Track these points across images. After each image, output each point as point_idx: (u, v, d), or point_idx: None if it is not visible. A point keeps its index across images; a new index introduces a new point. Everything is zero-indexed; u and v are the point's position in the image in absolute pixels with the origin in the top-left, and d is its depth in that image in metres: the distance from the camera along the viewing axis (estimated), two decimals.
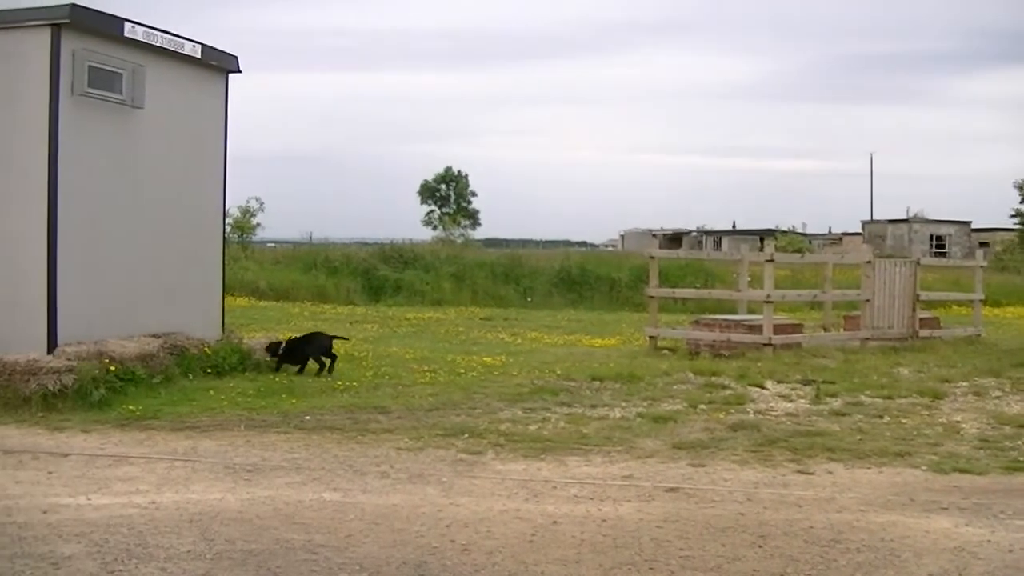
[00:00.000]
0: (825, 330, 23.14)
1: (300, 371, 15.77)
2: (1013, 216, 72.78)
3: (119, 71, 14.42)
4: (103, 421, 11.90)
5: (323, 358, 15.90)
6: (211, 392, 13.66)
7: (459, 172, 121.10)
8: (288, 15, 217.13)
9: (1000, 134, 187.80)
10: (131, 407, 12.54)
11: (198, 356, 15.01)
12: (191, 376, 14.55)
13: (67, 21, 13.52)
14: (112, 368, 13.27)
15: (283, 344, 16.22)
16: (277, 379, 14.90)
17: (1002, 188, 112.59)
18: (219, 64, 16.27)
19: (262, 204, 49.12)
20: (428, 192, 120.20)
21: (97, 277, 14.31)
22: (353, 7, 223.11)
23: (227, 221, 22.49)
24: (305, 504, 8.53)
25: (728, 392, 14.46)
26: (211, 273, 16.61)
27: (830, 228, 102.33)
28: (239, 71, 16.64)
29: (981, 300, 25.46)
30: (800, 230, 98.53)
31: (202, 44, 15.72)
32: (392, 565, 6.98)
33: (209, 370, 14.92)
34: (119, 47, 14.42)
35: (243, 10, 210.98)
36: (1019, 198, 71.07)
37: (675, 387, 14.96)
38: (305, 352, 16.01)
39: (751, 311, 22.33)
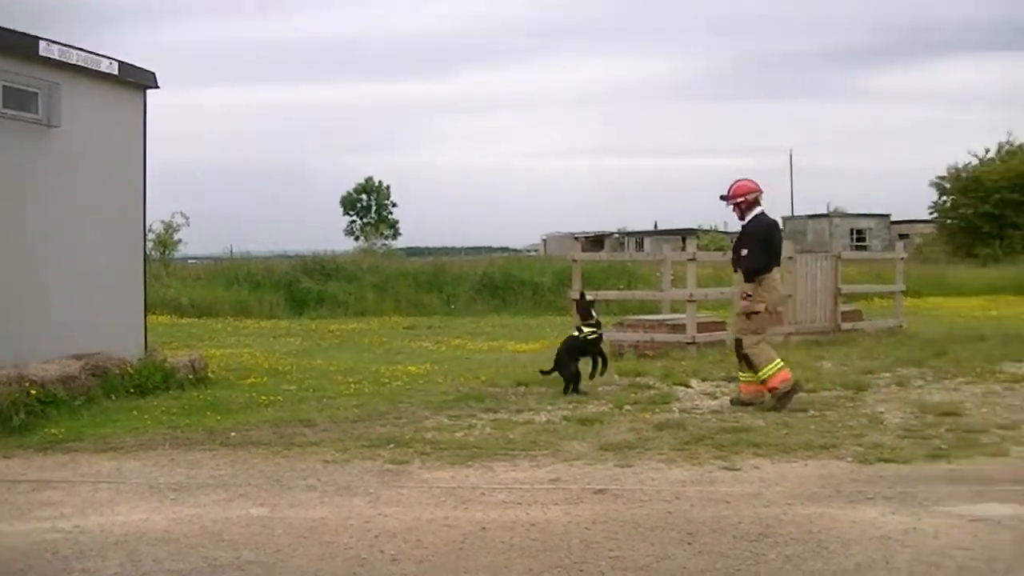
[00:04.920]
0: None
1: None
2: (931, 210, 73.61)
3: (34, 90, 14.25)
4: (24, 446, 11.73)
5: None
6: (134, 412, 13.53)
7: (379, 182, 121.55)
8: (204, 30, 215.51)
9: (917, 127, 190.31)
10: (53, 430, 12.38)
11: (121, 376, 14.84)
12: (114, 396, 14.40)
13: None
14: (33, 391, 13.08)
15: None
16: (201, 396, 14.77)
17: (920, 181, 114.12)
18: (136, 80, 16.12)
19: (187, 219, 48.76)
20: (349, 203, 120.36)
21: (16, 300, 14.13)
22: (270, 20, 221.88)
23: (150, 237, 22.34)
24: (232, 521, 8.49)
25: (653, 392, 14.54)
26: (132, 292, 16.44)
27: None
28: (157, 87, 16.48)
29: (902, 291, 25.80)
30: (721, 228, 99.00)
31: (119, 61, 15.56)
32: None
33: (132, 390, 14.75)
34: (34, 66, 14.23)
35: (160, 25, 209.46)
36: (936, 193, 71.82)
37: (600, 389, 15.00)
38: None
39: (674, 310, 22.43)
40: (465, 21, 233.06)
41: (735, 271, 14.48)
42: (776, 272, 13.88)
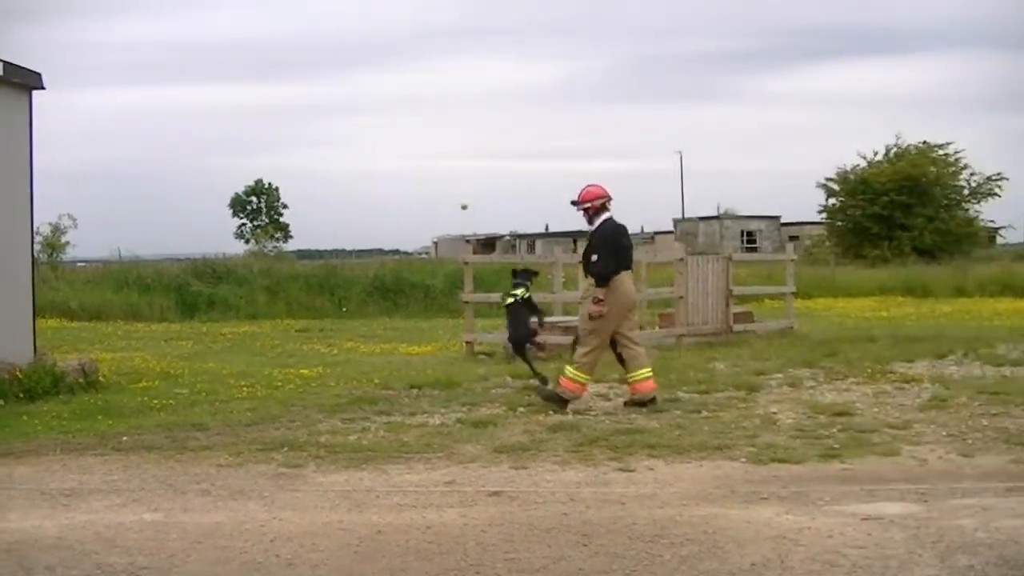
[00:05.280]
0: (640, 328, 23.39)
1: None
2: (820, 211, 74.44)
3: None
4: None
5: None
6: (24, 417, 13.38)
7: (269, 184, 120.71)
8: (91, 30, 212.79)
9: (806, 130, 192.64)
10: None
11: (9, 381, 14.66)
12: (2, 402, 14.23)
13: None
14: None
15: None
16: (92, 401, 14.62)
17: (809, 183, 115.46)
18: (22, 81, 15.93)
19: (75, 221, 48.14)
20: (239, 205, 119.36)
21: None
22: (157, 20, 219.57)
23: (37, 240, 22.03)
24: (126, 526, 8.45)
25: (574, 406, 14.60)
26: (20, 295, 16.23)
27: (642, 227, 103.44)
28: (43, 88, 16.32)
29: (792, 293, 26.07)
30: None
31: (4, 61, 15.38)
32: None
33: (21, 395, 14.59)
34: None
35: (41, 26, 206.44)
36: (824, 194, 72.62)
37: (493, 391, 15.10)
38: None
39: (567, 312, 22.53)
40: (360, 21, 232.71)
41: (585, 276, 14.75)
42: (626, 275, 14.03)
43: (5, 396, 14.40)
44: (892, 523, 8.11)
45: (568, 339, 19.48)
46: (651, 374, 13.86)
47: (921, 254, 60.80)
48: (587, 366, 13.79)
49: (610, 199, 14.16)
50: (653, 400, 13.68)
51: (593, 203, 14.09)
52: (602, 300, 13.64)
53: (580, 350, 13.86)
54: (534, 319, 16.63)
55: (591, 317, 13.74)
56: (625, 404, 13.70)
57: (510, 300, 16.56)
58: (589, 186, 14.26)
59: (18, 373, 14.89)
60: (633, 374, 13.77)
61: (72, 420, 13.25)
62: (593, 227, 14.18)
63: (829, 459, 10.46)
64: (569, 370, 13.77)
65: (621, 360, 14.06)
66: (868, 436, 11.49)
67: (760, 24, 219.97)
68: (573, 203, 14.28)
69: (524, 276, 16.94)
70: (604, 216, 14.10)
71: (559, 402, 13.61)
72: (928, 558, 7.24)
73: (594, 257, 13.90)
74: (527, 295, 16.53)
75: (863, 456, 10.56)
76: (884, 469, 10.09)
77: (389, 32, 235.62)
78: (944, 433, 11.64)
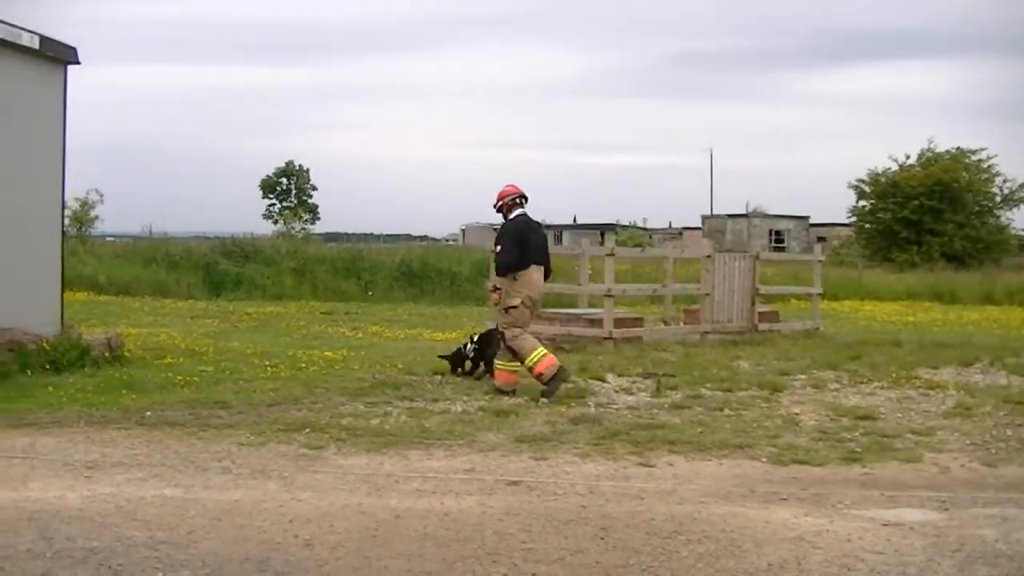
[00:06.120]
0: (665, 324, 23.33)
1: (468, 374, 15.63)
2: (850, 214, 74.04)
3: None
4: None
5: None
6: (50, 388, 13.45)
7: (300, 166, 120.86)
8: (128, 6, 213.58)
9: (837, 131, 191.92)
10: None
11: (36, 352, 14.74)
12: (29, 372, 14.32)
13: None
14: None
15: (472, 343, 15.88)
16: (117, 375, 14.68)
17: (840, 185, 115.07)
18: (57, 55, 15.97)
19: (102, 196, 48.43)
20: (269, 186, 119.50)
21: None
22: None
23: (66, 214, 22.13)
24: (146, 501, 8.49)
25: (569, 386, 14.57)
26: (49, 268, 16.30)
27: (670, 223, 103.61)
28: (78, 63, 16.33)
29: (819, 294, 25.95)
30: (641, 225, 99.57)
31: (40, 35, 15.42)
32: (235, 561, 7.00)
33: (48, 366, 14.66)
34: None
35: (81, 2, 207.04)
36: (855, 196, 72.26)
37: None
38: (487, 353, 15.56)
39: (592, 305, 22.44)
40: (397, 5, 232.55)
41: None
42: (535, 270, 14.48)
43: (31, 367, 14.47)
44: (912, 530, 8.08)
45: (592, 331, 19.58)
46: (544, 351, 14.28)
47: (950, 260, 60.36)
48: (526, 344, 14.20)
49: (523, 196, 14.79)
50: (562, 371, 14.04)
51: (505, 200, 14.73)
52: (499, 289, 14.57)
53: (514, 347, 14.24)
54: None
55: (506, 311, 14.36)
56: (543, 395, 13.82)
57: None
58: (504, 186, 14.89)
59: (45, 345, 14.96)
60: (528, 361, 14.07)
61: (97, 393, 13.32)
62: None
63: (850, 463, 10.44)
64: (527, 362, 14.09)
65: (510, 351, 14.34)
66: (891, 441, 11.46)
67: (794, 23, 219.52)
68: (494, 206, 14.90)
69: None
70: (517, 212, 14.72)
71: (556, 380, 13.94)
72: (947, 567, 7.21)
73: (498, 248, 14.62)
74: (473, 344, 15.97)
75: (885, 461, 10.54)
76: (906, 475, 10.06)
77: (425, 17, 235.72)
78: (967, 441, 11.61)
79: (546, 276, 14.77)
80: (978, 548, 7.63)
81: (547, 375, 13.90)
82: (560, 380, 13.92)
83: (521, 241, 14.43)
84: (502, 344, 14.42)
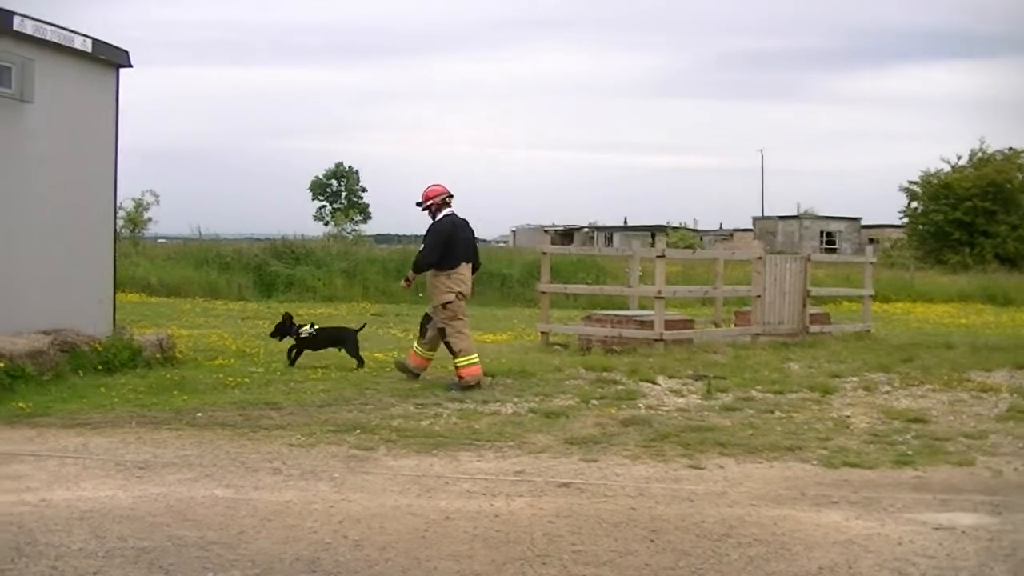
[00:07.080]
0: (716, 326, 23.29)
1: (293, 363, 16.44)
2: (901, 215, 73.55)
3: (8, 65, 14.21)
4: None
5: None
6: (102, 389, 13.56)
7: (350, 168, 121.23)
8: (180, 9, 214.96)
9: (888, 132, 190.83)
10: (21, 404, 12.41)
11: (89, 353, 14.85)
12: (82, 373, 14.43)
13: None
14: (1, 365, 13.11)
15: (309, 329, 16.91)
16: (169, 375, 14.78)
17: (891, 186, 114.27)
18: (110, 58, 16.10)
19: (157, 198, 48.77)
20: (319, 188, 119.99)
21: None
22: (247, 2, 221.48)
23: (120, 215, 22.29)
24: (197, 501, 8.53)
25: (620, 387, 14.58)
26: (102, 269, 16.44)
27: (721, 224, 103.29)
28: (130, 65, 16.47)
29: (871, 296, 25.75)
30: (691, 226, 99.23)
31: (93, 38, 15.55)
32: (285, 561, 7.02)
33: (100, 367, 14.78)
34: (8, 41, 14.22)
35: (134, 4, 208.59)
36: (907, 198, 71.75)
37: (567, 383, 15.06)
38: (339, 343, 16.90)
39: (642, 307, 22.42)
40: (445, 9, 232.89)
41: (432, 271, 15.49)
42: (464, 267, 14.98)
43: (84, 368, 14.58)
44: (964, 534, 8.00)
45: (643, 334, 19.54)
46: (477, 360, 14.78)
47: (1003, 262, 59.76)
48: (464, 344, 14.75)
49: (451, 196, 15.15)
50: (479, 383, 14.58)
51: (434, 200, 15.14)
52: (410, 281, 15.43)
53: (452, 342, 14.79)
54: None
55: (443, 307, 14.84)
56: (449, 387, 14.47)
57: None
58: (430, 186, 15.25)
59: (97, 346, 15.07)
60: (459, 360, 14.64)
61: (148, 394, 13.41)
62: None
63: (902, 466, 10.34)
64: (456, 360, 14.66)
65: (447, 347, 14.95)
66: (943, 444, 11.34)
67: (845, 24, 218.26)
68: (417, 204, 15.23)
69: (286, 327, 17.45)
70: (445, 212, 15.08)
71: (470, 388, 14.36)
72: (1000, 572, 7.15)
73: (422, 246, 15.07)
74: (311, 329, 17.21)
75: (937, 464, 10.44)
76: (958, 479, 9.96)
77: (472, 21, 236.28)
78: (1021, 445, 11.48)
79: (474, 271, 15.24)
80: None
81: (467, 382, 14.42)
82: (472, 388, 14.38)
83: (449, 241, 14.86)
84: (428, 333, 15.15)
